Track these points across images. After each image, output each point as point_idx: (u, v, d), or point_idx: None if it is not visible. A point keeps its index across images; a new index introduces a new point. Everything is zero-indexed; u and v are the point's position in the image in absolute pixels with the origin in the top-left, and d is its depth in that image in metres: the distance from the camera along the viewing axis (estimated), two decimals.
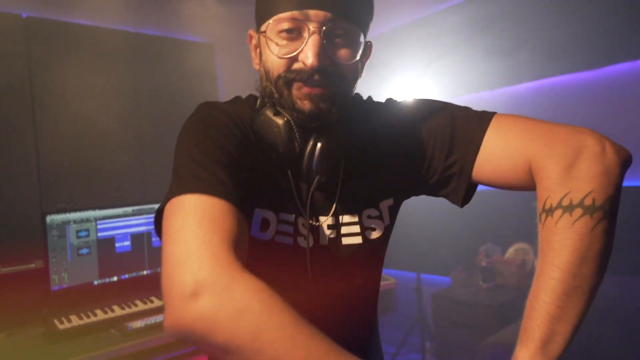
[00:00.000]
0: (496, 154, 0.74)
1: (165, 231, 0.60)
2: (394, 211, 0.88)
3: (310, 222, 0.81)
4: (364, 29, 0.75)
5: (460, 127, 0.77)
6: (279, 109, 0.75)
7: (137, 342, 1.79)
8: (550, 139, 0.68)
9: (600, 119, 2.43)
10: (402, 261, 3.43)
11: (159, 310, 2.01)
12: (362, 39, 0.74)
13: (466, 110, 0.80)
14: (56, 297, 1.95)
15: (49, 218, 1.93)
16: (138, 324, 1.88)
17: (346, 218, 0.82)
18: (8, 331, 1.88)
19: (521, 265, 2.63)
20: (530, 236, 2.74)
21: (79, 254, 2.01)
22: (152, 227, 2.19)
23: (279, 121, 0.74)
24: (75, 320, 1.87)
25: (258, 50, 0.79)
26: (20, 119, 2.51)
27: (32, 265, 2.07)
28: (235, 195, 0.63)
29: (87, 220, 2.04)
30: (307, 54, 0.69)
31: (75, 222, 2.00)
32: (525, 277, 2.63)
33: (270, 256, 0.79)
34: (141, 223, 2.19)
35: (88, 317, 1.90)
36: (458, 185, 0.79)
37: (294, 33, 0.71)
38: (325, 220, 0.82)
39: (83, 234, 2.02)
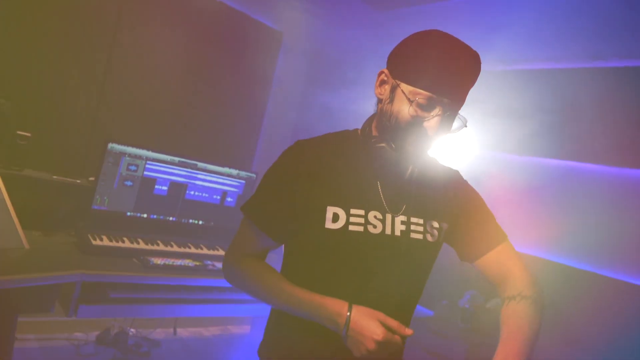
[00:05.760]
0: (495, 258, 1.14)
1: None
2: (445, 235, 1.15)
3: (389, 214, 1.06)
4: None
5: (491, 222, 1.17)
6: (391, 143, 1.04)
7: (154, 276, 2.00)
8: (524, 269, 1.12)
9: None
10: None
11: (177, 254, 2.21)
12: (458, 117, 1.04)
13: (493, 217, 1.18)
14: (94, 215, 2.15)
15: (110, 145, 2.14)
16: (158, 261, 2.09)
17: (414, 219, 1.08)
18: (44, 231, 2.08)
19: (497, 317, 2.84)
20: None
21: (123, 184, 2.21)
22: (189, 179, 2.40)
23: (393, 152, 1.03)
24: (105, 240, 2.07)
25: (386, 87, 1.04)
26: (99, 40, 2.71)
27: (78, 181, 2.28)
28: (263, 218, 1.08)
29: (140, 157, 2.24)
30: (432, 126, 0.98)
31: (129, 155, 2.21)
32: (497, 327, 2.83)
33: (344, 242, 1.02)
34: (182, 174, 2.39)
35: (117, 241, 2.11)
36: (470, 248, 1.16)
37: (427, 106, 0.97)
38: (399, 217, 1.07)
39: (132, 167, 2.23)
